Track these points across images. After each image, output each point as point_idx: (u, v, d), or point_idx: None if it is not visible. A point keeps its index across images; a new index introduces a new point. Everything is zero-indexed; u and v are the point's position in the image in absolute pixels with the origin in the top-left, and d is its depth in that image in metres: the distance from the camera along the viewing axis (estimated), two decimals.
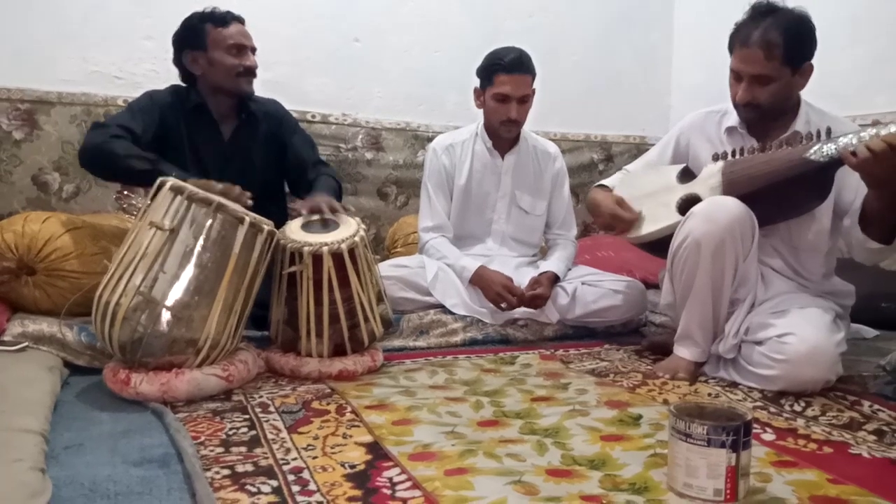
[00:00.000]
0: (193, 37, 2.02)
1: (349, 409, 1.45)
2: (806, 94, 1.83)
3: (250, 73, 2.06)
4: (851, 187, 1.70)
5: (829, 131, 1.60)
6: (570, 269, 2.39)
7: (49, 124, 2.51)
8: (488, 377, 1.75)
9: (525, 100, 2.29)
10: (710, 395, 1.63)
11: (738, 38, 1.75)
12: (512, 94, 2.25)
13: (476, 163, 2.42)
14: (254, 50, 2.08)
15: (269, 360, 1.77)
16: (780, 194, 1.70)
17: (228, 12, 2.04)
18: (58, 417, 1.36)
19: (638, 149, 3.51)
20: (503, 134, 2.36)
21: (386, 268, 2.28)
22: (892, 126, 1.47)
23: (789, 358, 1.57)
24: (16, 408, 1.27)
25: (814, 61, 1.76)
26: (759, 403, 1.55)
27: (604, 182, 2.13)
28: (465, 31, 3.22)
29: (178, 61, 2.06)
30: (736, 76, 1.77)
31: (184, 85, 2.09)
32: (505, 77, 2.23)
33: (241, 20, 2.06)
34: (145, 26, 2.68)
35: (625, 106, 3.67)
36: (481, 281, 2.23)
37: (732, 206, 1.69)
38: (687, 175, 1.93)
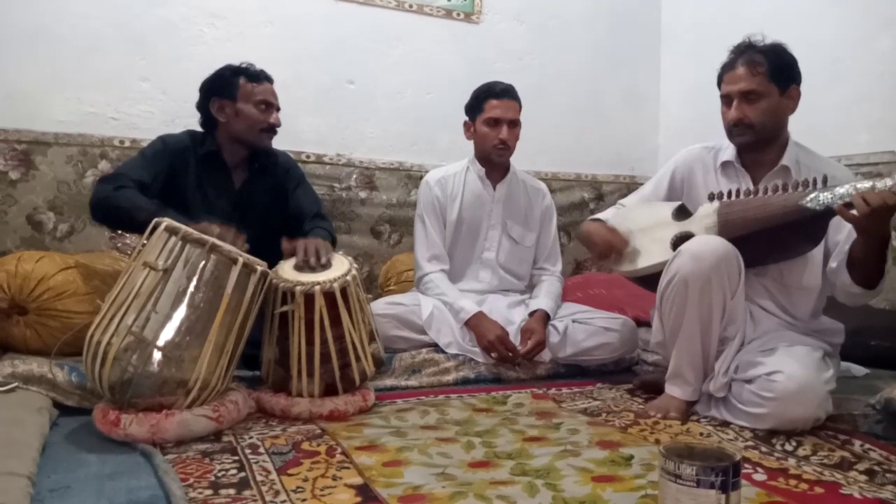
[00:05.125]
0: (225, 86, 2.06)
1: (339, 450, 1.44)
2: (790, 133, 1.87)
3: (273, 129, 2.12)
4: (843, 228, 1.73)
5: (825, 179, 1.63)
6: (559, 306, 2.40)
7: (45, 164, 2.53)
8: (480, 417, 1.74)
9: (515, 124, 2.38)
10: (701, 434, 1.63)
11: (725, 68, 1.85)
12: (503, 117, 2.35)
13: (468, 193, 2.48)
14: (278, 109, 2.14)
15: (259, 401, 1.76)
16: (774, 238, 1.72)
17: (262, 71, 2.11)
18: (45, 459, 1.34)
19: (628, 188, 3.55)
20: (495, 158, 2.41)
21: (381, 305, 2.29)
22: (887, 179, 1.50)
23: (778, 396, 1.58)
24: (2, 450, 1.26)
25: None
26: (750, 443, 1.56)
27: (597, 216, 2.15)
28: (456, 72, 3.28)
29: (202, 107, 2.10)
30: (726, 100, 1.83)
31: (200, 130, 2.13)
32: (495, 101, 2.36)
33: (271, 80, 2.13)
34: (140, 67, 2.72)
35: (614, 145, 3.73)
36: (478, 327, 2.24)
37: (719, 245, 1.71)
38: (682, 213, 1.95)
